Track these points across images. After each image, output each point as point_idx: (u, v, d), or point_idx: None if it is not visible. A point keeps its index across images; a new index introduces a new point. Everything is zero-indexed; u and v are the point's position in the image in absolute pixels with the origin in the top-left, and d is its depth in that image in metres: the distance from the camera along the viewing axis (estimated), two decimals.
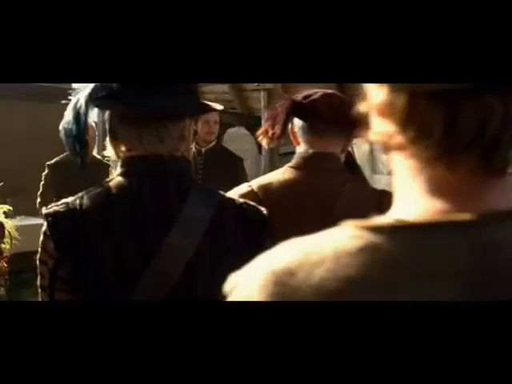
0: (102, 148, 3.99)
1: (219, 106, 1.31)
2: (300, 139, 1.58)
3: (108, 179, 1.20)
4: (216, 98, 7.37)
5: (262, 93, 5.67)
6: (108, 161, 4.79)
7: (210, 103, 1.30)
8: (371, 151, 8.76)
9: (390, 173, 0.56)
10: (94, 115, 6.58)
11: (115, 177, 1.19)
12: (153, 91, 1.13)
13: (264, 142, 1.51)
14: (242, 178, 3.22)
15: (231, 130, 6.78)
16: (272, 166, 5.00)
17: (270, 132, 1.48)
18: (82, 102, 1.15)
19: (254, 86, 5.88)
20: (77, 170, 4.12)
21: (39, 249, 1.18)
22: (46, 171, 4.20)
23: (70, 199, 1.17)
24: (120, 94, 1.15)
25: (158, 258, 1.10)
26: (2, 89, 4.88)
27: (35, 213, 4.56)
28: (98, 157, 4.56)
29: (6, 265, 2.92)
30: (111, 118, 1.19)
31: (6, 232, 2.96)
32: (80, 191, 4.42)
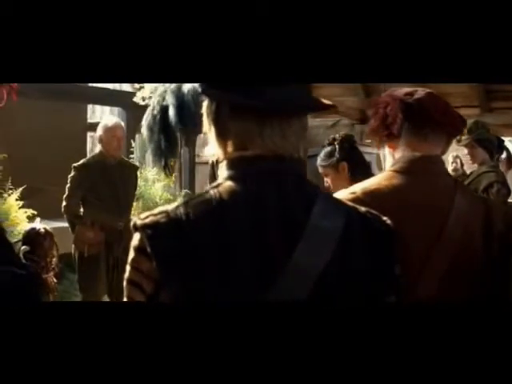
0: (127, 149, 3.78)
1: (331, 103, 1.13)
2: (401, 141, 1.42)
3: (214, 184, 0.99)
4: None
5: None
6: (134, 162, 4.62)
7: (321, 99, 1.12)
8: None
9: None
10: (109, 115, 6.42)
11: (223, 181, 0.98)
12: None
13: (376, 144, 1.34)
14: None
15: None
16: None
17: (385, 133, 1.35)
18: (190, 94, 0.96)
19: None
20: (104, 171, 3.98)
21: (128, 267, 0.98)
22: (73, 173, 3.99)
23: (168, 208, 0.96)
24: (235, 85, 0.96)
25: (283, 277, 0.91)
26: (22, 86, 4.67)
27: (53, 215, 4.38)
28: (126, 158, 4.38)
29: (55, 280, 2.67)
30: (220, 112, 0.99)
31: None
32: (108, 194, 4.24)
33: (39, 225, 2.91)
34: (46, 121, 6.10)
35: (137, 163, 4.58)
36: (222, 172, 1.00)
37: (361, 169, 2.23)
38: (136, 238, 0.95)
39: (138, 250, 0.95)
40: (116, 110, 8.00)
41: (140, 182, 4.58)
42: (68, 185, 3.98)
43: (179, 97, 0.86)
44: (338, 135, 2.36)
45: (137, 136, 5.30)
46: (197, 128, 0.95)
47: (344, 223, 0.96)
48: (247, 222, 0.93)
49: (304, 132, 1.02)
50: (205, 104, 1.01)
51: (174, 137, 0.95)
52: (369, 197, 1.30)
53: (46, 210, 4.42)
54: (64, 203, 3.98)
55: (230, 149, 1.00)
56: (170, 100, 0.87)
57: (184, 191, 5.40)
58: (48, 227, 2.99)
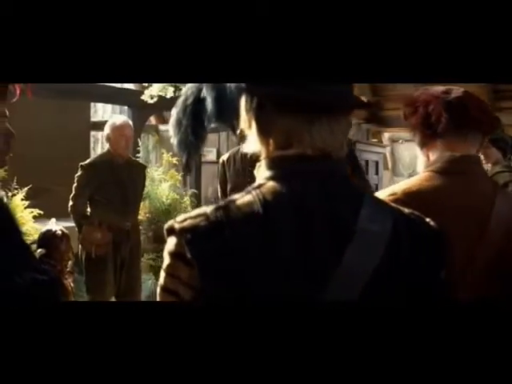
0: (134, 148, 3.72)
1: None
2: (440, 141, 1.39)
3: (255, 185, 0.93)
4: None
5: None
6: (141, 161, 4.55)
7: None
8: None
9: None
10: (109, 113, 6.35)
11: (265, 181, 0.92)
12: None
13: (417, 143, 1.36)
14: None
15: None
16: None
17: (427, 132, 1.35)
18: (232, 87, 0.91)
19: None
20: (112, 171, 3.91)
21: (163, 274, 0.92)
22: (80, 172, 3.92)
23: (206, 210, 0.89)
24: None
25: (333, 281, 0.86)
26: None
27: (58, 215, 4.30)
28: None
29: (72, 284, 2.56)
30: (264, 108, 0.93)
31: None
32: (116, 194, 4.16)
33: (55, 226, 2.80)
34: (49, 120, 6.05)
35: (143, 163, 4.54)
36: (262, 172, 0.95)
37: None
38: (172, 243, 0.89)
39: (174, 255, 0.88)
40: (118, 108, 7.96)
41: (146, 182, 4.52)
42: (75, 184, 3.91)
43: (220, 90, 0.81)
44: None
45: (142, 135, 5.26)
46: (233, 124, 0.90)
47: (392, 225, 0.91)
48: (293, 224, 0.88)
49: (349, 130, 0.97)
50: (244, 99, 0.95)
51: (202, 132, 0.90)
52: (410, 198, 1.26)
53: (50, 210, 4.35)
54: (71, 203, 3.90)
55: (272, 147, 0.94)
56: (208, 92, 0.82)
57: (191, 191, 5.35)
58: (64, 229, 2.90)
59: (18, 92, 1.49)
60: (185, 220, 0.89)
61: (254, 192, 0.90)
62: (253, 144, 0.96)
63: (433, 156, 1.40)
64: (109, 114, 8.16)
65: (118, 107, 7.88)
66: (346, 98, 0.94)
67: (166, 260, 0.90)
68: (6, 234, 1.38)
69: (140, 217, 4.37)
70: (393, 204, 1.00)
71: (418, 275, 0.93)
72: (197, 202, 5.34)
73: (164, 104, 4.41)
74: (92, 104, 6.90)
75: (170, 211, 4.94)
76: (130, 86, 5.64)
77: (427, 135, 1.38)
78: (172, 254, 0.89)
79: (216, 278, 0.84)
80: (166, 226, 0.91)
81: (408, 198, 1.26)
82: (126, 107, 5.80)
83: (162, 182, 5.03)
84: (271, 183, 0.91)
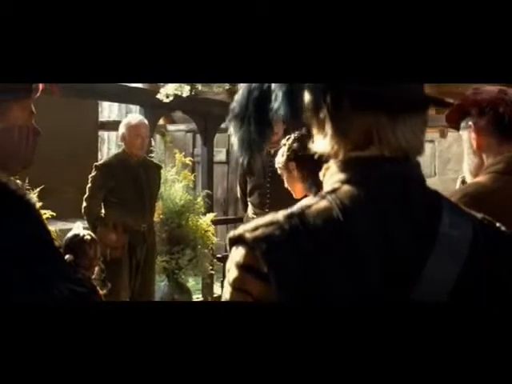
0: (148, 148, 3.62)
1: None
2: (505, 142, 1.33)
3: (329, 189, 0.85)
4: None
5: None
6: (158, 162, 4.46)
7: None
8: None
9: None
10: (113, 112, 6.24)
11: (339, 185, 0.85)
12: None
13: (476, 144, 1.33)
14: None
15: None
16: None
17: (496, 134, 1.33)
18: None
19: None
20: (128, 171, 3.80)
21: (229, 289, 0.83)
22: (94, 173, 3.82)
23: (277, 217, 0.81)
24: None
25: (417, 289, 0.81)
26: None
27: (67, 216, 4.21)
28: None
29: (102, 292, 2.43)
30: (342, 105, 0.85)
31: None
32: (133, 195, 4.06)
33: (83, 230, 2.68)
34: (57, 119, 5.95)
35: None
36: (335, 175, 0.87)
37: (311, 169, 2.19)
38: (240, 254, 0.80)
39: (244, 267, 0.80)
40: (124, 108, 7.87)
41: None
42: (89, 185, 3.82)
43: (291, 86, 0.76)
44: (293, 134, 2.34)
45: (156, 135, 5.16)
46: (300, 122, 0.84)
47: (472, 231, 0.86)
48: (374, 230, 0.81)
49: (426, 129, 0.91)
50: (318, 97, 0.87)
51: (268, 128, 0.84)
52: (480, 200, 1.20)
53: (57, 210, 4.26)
54: (84, 204, 3.81)
55: (347, 148, 0.87)
56: (278, 86, 0.76)
57: (205, 191, 5.26)
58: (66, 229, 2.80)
59: (40, 87, 1.42)
60: (256, 228, 0.80)
61: (329, 197, 0.83)
62: (324, 145, 0.89)
63: (489, 158, 1.35)
64: (115, 114, 8.10)
65: (123, 107, 7.81)
66: (425, 96, 0.90)
67: (234, 273, 0.81)
68: (41, 241, 1.30)
69: (154, 218, 4.28)
70: (468, 209, 0.94)
71: (497, 279, 0.87)
72: (211, 203, 5.25)
73: (176, 103, 4.32)
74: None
75: (183, 212, 4.84)
76: (140, 84, 5.55)
77: (496, 137, 1.32)
78: (241, 267, 0.80)
79: (296, 290, 0.77)
80: (230, 234, 0.83)
81: (478, 200, 1.20)
82: (132, 106, 5.72)
83: (175, 182, 4.94)
84: (347, 187, 0.84)
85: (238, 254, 0.81)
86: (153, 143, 4.87)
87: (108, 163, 3.89)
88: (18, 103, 1.41)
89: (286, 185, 2.33)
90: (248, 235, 0.79)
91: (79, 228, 2.68)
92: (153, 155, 4.53)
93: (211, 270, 5.15)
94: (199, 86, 4.08)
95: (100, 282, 2.53)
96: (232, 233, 0.83)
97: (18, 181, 1.51)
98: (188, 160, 5.14)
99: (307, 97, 0.88)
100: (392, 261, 0.81)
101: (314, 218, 0.80)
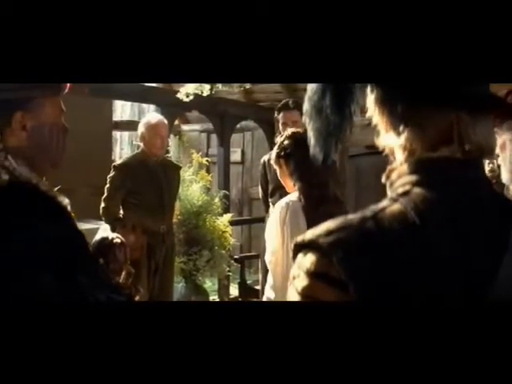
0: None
1: None
2: None
3: (400, 191, 0.81)
4: (267, 97, 7.01)
5: None
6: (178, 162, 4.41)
7: None
8: None
9: None
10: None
11: (410, 187, 0.81)
12: None
13: None
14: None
15: None
16: (341, 168, 4.61)
17: None
18: None
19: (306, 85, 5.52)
20: (147, 172, 3.73)
21: (298, 297, 0.77)
22: (113, 173, 3.77)
23: (349, 221, 0.76)
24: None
25: (492, 292, 0.77)
26: None
27: (79, 216, 4.14)
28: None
29: (137, 297, 2.36)
30: (419, 105, 0.82)
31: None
32: (153, 195, 4.01)
33: (111, 233, 2.60)
34: (72, 119, 5.90)
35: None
36: (405, 176, 0.82)
37: (302, 166, 2.24)
38: (311, 261, 0.75)
39: (316, 275, 0.74)
40: (136, 107, 7.82)
41: None
42: (107, 185, 3.76)
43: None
44: (287, 132, 2.38)
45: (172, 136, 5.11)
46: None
47: None
48: (451, 234, 0.77)
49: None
50: (394, 90, 0.83)
51: (348, 116, 0.79)
52: None
53: (74, 211, 4.21)
54: (103, 205, 3.75)
55: (424, 145, 0.82)
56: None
57: (222, 192, 5.20)
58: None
59: (67, 85, 1.39)
60: (328, 234, 0.75)
61: (402, 200, 0.79)
62: (397, 142, 0.84)
63: None
64: (128, 114, 8.06)
65: (136, 107, 7.76)
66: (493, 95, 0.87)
67: (304, 281, 0.76)
68: (76, 246, 1.24)
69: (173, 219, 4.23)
70: None
71: None
72: (228, 203, 5.19)
73: (193, 103, 4.25)
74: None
75: (200, 213, 4.79)
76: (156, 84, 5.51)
77: None
78: (313, 274, 0.75)
79: (375, 294, 0.72)
80: (298, 239, 0.78)
81: None
82: (145, 106, 5.67)
83: (192, 183, 4.88)
84: (420, 190, 0.80)
85: (307, 260, 0.76)
86: (169, 143, 4.82)
87: (126, 163, 3.83)
88: (49, 100, 1.36)
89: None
90: (322, 240, 0.74)
91: (107, 230, 2.60)
92: (170, 155, 4.48)
93: (228, 271, 5.09)
94: (219, 86, 4.01)
95: (132, 287, 2.45)
96: (301, 238, 0.78)
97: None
98: (205, 160, 5.08)
99: (380, 91, 0.84)
100: (468, 265, 0.77)
101: (390, 222, 0.76)
